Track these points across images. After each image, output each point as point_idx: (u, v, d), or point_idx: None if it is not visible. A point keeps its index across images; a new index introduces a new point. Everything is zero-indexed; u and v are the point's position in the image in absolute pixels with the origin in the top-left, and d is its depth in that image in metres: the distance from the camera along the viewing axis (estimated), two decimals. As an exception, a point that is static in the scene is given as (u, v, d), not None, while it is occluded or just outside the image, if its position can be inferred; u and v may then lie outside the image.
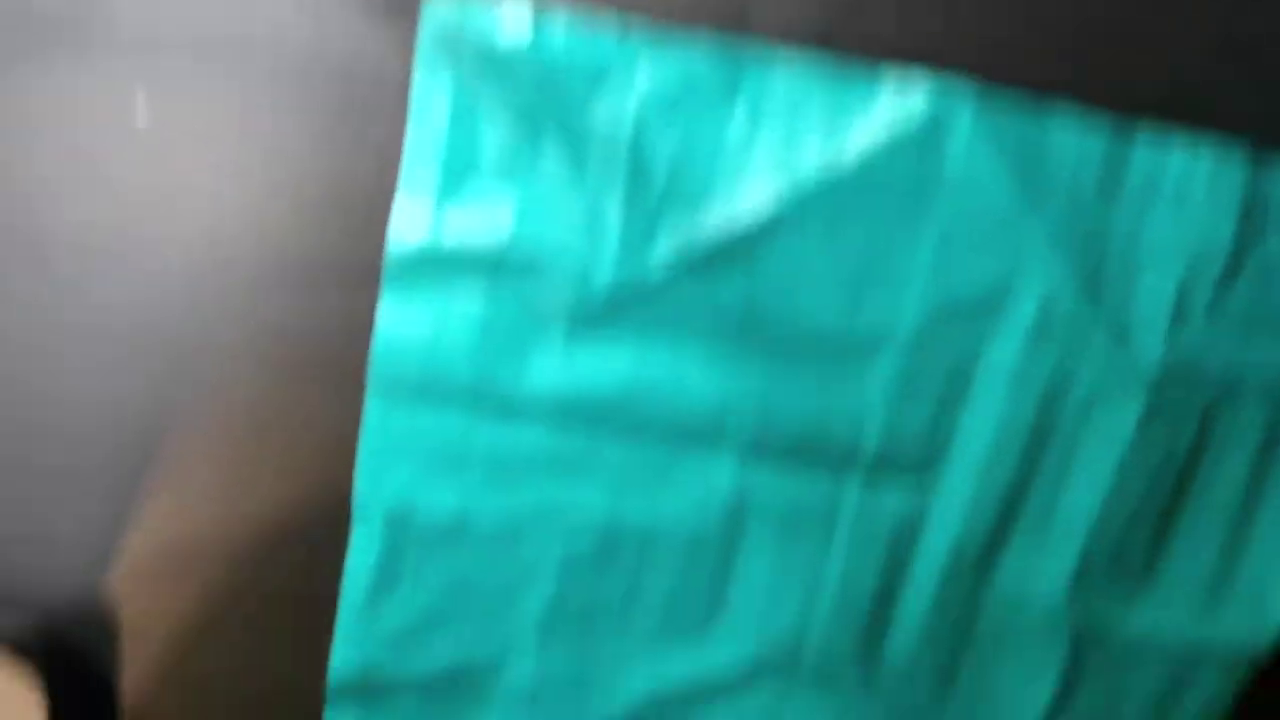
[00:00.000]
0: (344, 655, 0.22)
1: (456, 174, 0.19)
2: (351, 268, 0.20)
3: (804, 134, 0.19)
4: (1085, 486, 0.21)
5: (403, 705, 0.23)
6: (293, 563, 0.23)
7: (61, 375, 0.21)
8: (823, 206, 0.19)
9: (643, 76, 0.18)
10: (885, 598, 0.22)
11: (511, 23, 0.18)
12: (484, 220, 0.19)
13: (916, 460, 0.21)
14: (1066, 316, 0.20)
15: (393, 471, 0.21)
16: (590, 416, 0.21)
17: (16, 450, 0.21)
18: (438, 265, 0.20)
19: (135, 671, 0.23)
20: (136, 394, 0.21)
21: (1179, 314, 0.20)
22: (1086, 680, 0.23)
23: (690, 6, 0.18)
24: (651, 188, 0.19)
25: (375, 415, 0.21)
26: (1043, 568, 0.22)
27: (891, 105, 0.19)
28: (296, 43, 0.19)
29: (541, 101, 0.19)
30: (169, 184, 0.20)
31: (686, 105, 0.19)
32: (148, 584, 0.23)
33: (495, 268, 0.20)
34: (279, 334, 0.21)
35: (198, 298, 0.20)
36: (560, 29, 0.18)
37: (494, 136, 0.19)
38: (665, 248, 0.19)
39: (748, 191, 0.19)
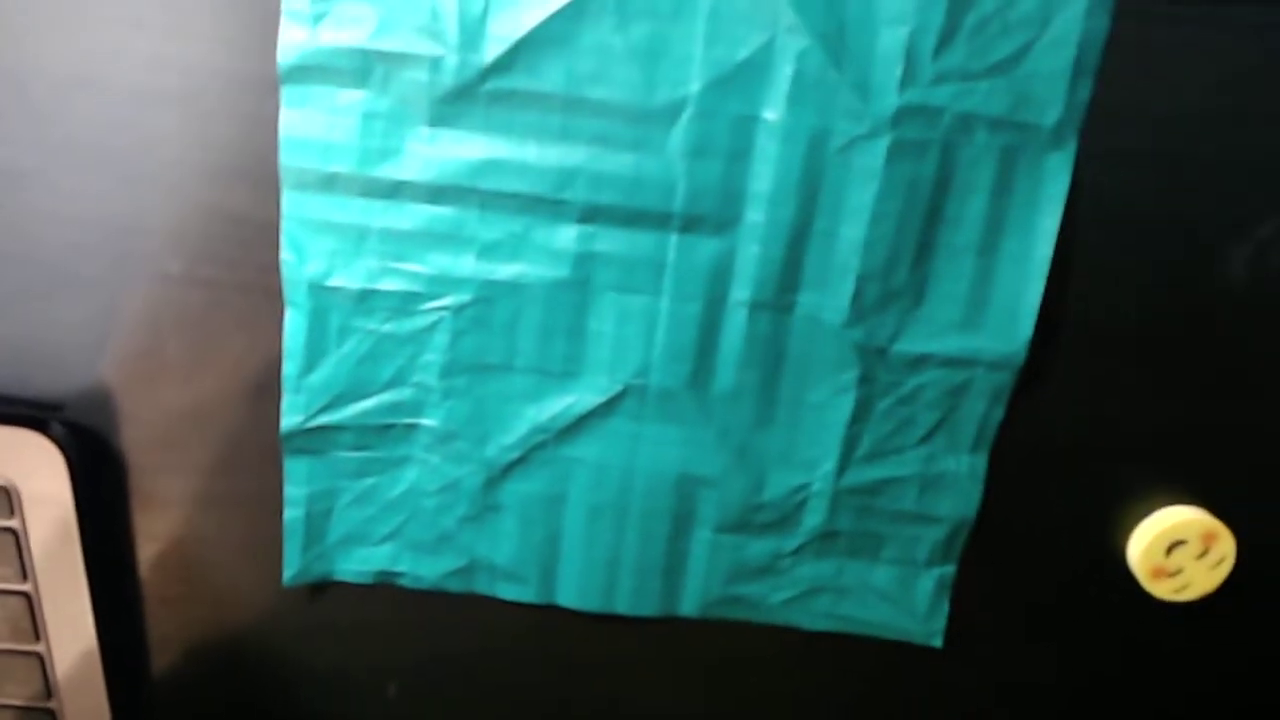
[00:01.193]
0: (290, 413, 0.28)
1: (324, -2, 0.24)
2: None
3: None
4: (853, 222, 0.26)
5: (343, 448, 0.29)
6: (252, 339, 0.28)
7: (50, 196, 0.27)
8: None
9: None
10: (708, 333, 0.27)
11: None
12: (352, 30, 0.25)
13: (718, 212, 0.26)
14: (817, 76, 0.24)
15: (310, 253, 0.27)
16: (457, 194, 0.26)
17: (22, 267, 0.27)
18: (320, 73, 0.25)
19: (137, 441, 0.29)
20: (116, 211, 0.27)
21: (909, 68, 0.25)
22: (879, 392, 0.28)
23: None
24: None
25: (290, 206, 0.26)
26: (828, 298, 0.27)
27: None
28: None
29: None
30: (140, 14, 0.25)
31: None
32: (137, 374, 0.29)
33: (365, 72, 0.25)
34: (232, 147, 0.26)
35: (148, 125, 0.26)
36: None
37: None
38: (496, 43, 0.25)
39: None
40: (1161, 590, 0.30)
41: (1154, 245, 0.28)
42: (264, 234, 0.27)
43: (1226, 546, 0.30)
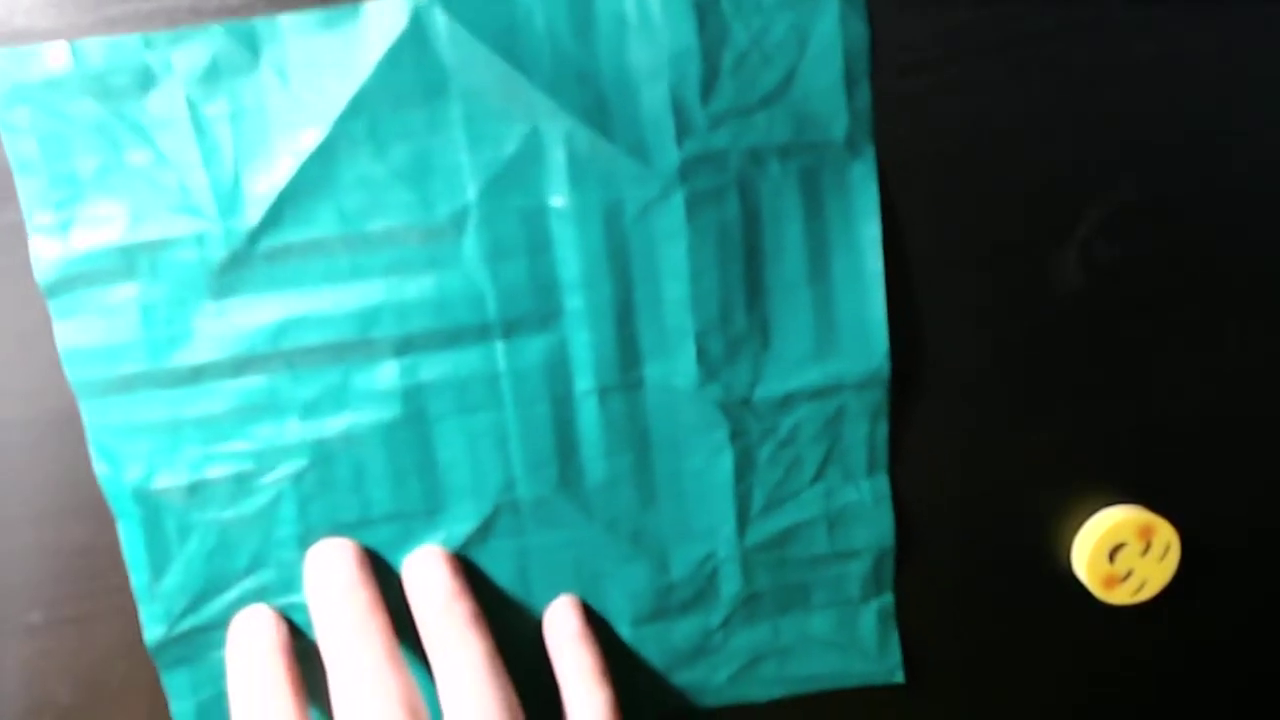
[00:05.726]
0: (152, 625, 0.26)
1: (68, 200, 0.23)
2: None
3: (324, 67, 0.23)
4: (673, 283, 0.25)
5: (219, 647, 0.27)
6: (135, 659, 0.26)
7: None
8: (362, 124, 0.23)
9: (179, 63, 0.23)
10: (564, 430, 0.26)
11: (54, 55, 0.22)
12: (105, 229, 0.23)
13: (536, 309, 0.25)
14: (590, 152, 0.24)
15: (125, 459, 0.25)
16: (262, 361, 0.25)
17: None
18: (85, 278, 0.24)
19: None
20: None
21: (680, 120, 0.24)
22: (755, 442, 0.27)
23: (191, 10, 0.23)
24: (224, 156, 0.23)
25: (90, 415, 0.25)
26: (674, 363, 0.26)
27: (378, 23, 0.23)
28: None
29: (108, 112, 0.23)
30: None
31: (224, 77, 0.23)
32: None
33: (131, 265, 0.24)
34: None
35: None
36: (95, 48, 0.22)
37: (85, 154, 0.23)
38: (257, 203, 0.23)
39: (303, 133, 0.23)
40: (1119, 596, 0.29)
41: (990, 268, 0.27)
42: (108, 557, 0.26)
43: (1167, 535, 0.28)
